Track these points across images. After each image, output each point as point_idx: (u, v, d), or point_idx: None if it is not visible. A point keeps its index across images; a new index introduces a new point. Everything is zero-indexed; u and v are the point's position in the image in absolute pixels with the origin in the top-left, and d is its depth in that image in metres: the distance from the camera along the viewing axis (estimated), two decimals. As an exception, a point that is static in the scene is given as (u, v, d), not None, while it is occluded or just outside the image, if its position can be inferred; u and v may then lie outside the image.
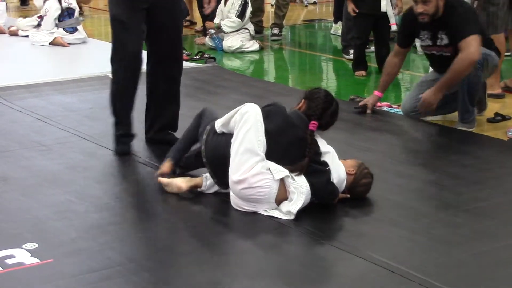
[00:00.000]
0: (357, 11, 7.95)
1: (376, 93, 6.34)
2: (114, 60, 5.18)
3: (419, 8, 5.81)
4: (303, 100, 4.42)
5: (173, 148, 4.63)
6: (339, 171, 4.31)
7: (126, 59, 5.14)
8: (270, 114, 4.28)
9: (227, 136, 4.25)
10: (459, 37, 5.73)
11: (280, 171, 4.12)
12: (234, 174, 4.13)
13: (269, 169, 4.11)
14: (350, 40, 8.70)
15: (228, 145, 4.19)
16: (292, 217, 4.07)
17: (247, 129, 4.13)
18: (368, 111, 6.24)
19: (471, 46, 5.66)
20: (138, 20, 5.12)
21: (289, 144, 4.23)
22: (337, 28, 10.35)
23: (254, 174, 4.09)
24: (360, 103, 6.33)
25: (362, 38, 8.07)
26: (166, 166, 4.55)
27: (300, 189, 4.11)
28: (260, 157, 4.11)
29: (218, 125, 4.31)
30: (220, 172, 4.25)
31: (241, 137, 4.14)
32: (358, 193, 4.37)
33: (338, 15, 10.19)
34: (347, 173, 4.34)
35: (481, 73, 5.87)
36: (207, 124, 4.42)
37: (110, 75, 5.27)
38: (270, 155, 4.17)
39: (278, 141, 4.20)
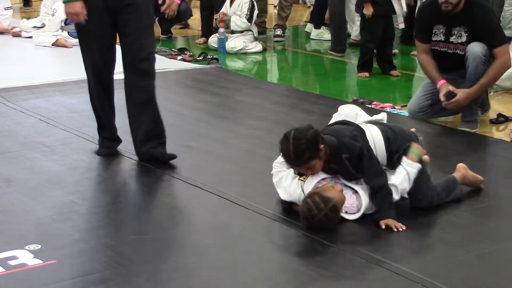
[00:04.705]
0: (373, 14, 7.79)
1: (443, 81, 5.94)
2: (85, 68, 5.06)
3: None
4: None
5: None
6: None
7: (92, 68, 5.01)
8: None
9: None
10: (493, 43, 5.81)
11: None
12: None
13: None
14: (362, 44, 8.18)
15: None
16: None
17: None
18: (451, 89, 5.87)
19: (506, 54, 5.82)
20: (104, 27, 4.85)
21: None
22: (322, 33, 10.24)
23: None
24: (443, 94, 5.83)
25: (375, 41, 7.92)
26: None
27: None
28: None
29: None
30: None
31: None
32: None
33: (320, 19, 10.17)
34: None
35: (487, 68, 5.87)
36: None
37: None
38: None
39: None
